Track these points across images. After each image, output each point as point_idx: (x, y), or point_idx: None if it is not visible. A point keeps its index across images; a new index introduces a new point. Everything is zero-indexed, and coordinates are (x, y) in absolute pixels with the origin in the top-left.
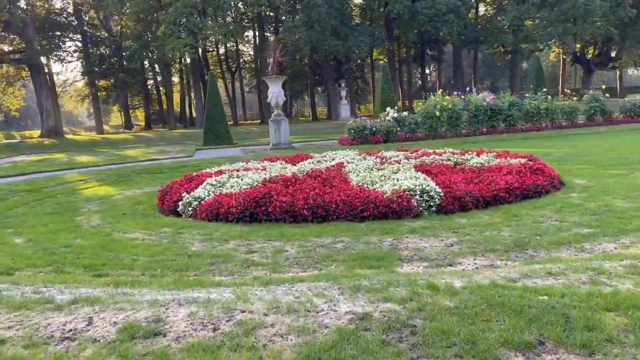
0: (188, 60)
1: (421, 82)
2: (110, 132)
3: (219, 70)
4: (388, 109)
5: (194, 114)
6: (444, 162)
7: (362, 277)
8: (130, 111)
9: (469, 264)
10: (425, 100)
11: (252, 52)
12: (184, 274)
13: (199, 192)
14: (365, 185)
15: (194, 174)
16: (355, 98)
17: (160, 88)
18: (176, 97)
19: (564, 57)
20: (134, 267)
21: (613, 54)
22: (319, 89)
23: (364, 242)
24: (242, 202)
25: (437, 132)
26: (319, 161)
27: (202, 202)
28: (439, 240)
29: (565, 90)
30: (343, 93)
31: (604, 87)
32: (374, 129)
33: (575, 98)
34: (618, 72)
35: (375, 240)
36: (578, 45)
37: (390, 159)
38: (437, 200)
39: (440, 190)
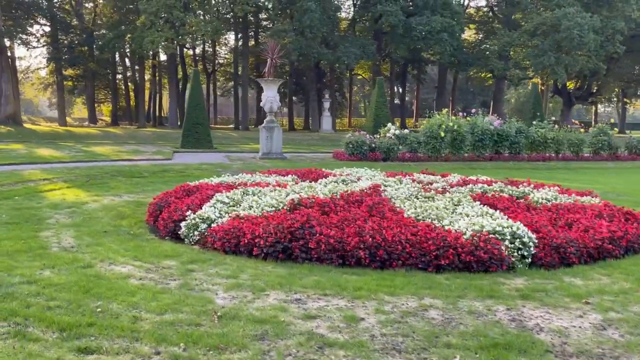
0: (163, 57)
1: (400, 101)
2: (73, 124)
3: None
4: (389, 125)
5: (165, 113)
6: (501, 194)
7: None
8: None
9: None
10: (428, 118)
11: (228, 55)
12: (223, 358)
13: (208, 211)
14: (430, 220)
15: (191, 184)
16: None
17: (129, 84)
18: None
19: (543, 88)
20: (140, 337)
21: (594, 89)
22: (295, 98)
23: (467, 310)
24: (273, 231)
25: (439, 154)
26: (343, 180)
27: (212, 225)
28: (574, 316)
29: (574, 121)
30: (326, 105)
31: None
32: (373, 145)
33: (582, 130)
34: (594, 107)
35: (482, 309)
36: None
37: (430, 184)
38: (532, 249)
39: (533, 236)
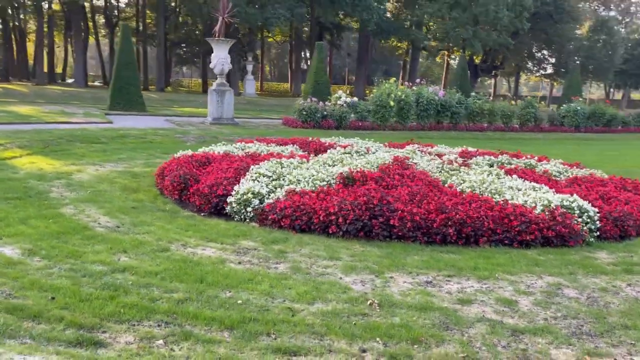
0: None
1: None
2: None
3: (92, 24)
4: (340, 92)
5: (62, 70)
6: (510, 165)
7: None
8: None
9: None
10: (377, 87)
11: (128, 10)
12: (435, 352)
13: (255, 186)
14: (489, 195)
15: (197, 153)
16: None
17: (27, 36)
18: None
19: (449, 59)
20: (323, 332)
21: (497, 63)
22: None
23: (597, 287)
24: (350, 208)
25: (387, 123)
26: (357, 152)
27: (264, 201)
28: None
29: (506, 94)
30: (249, 67)
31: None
32: (325, 112)
33: (513, 102)
34: (494, 80)
35: (606, 285)
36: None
37: (440, 155)
38: (597, 222)
39: (596, 209)
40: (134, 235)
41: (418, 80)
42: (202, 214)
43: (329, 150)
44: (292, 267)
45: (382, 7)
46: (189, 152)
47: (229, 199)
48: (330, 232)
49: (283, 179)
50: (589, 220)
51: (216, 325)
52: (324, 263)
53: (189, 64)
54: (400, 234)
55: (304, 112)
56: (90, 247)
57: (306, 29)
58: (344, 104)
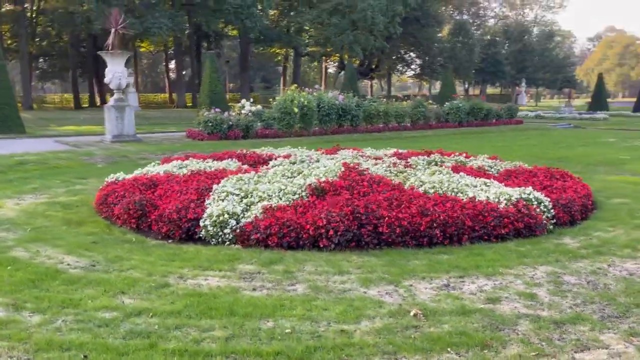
0: None
1: (197, 74)
2: None
3: None
4: (243, 101)
5: None
6: (443, 163)
7: None
8: None
9: None
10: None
11: None
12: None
13: (227, 205)
14: (452, 194)
15: (142, 176)
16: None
17: None
18: None
19: (326, 64)
20: (389, 349)
21: (373, 66)
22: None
23: (588, 271)
24: (339, 219)
25: (292, 129)
26: (302, 160)
27: (246, 221)
28: None
29: (397, 94)
30: (131, 79)
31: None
32: (230, 122)
33: (405, 103)
34: (370, 82)
35: (594, 268)
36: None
37: (378, 159)
38: (552, 211)
39: (549, 199)
40: (120, 273)
41: (317, 87)
42: (170, 241)
43: (271, 162)
44: (310, 286)
45: (265, 14)
46: (129, 176)
47: (203, 222)
48: (322, 245)
49: (251, 196)
50: (545, 209)
51: (284, 359)
52: (338, 279)
53: (55, 79)
54: (389, 240)
55: (210, 124)
56: (80, 292)
57: (181, 36)
58: (249, 113)
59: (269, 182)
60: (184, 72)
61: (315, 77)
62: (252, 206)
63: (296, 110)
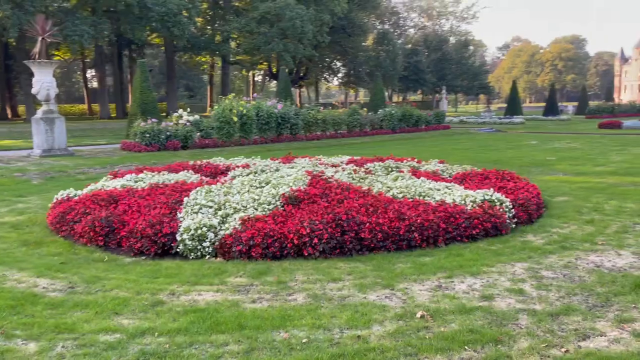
0: None
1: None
2: None
3: None
4: (180, 111)
5: None
6: (400, 168)
7: None
8: None
9: None
10: (217, 103)
11: None
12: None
13: (203, 218)
14: (419, 197)
15: (101, 190)
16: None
17: None
18: None
19: (254, 73)
20: (393, 353)
21: (302, 74)
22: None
23: (560, 265)
24: (322, 227)
25: (232, 139)
26: (262, 170)
27: (225, 233)
28: (612, 252)
29: (334, 102)
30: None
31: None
32: (168, 133)
33: (340, 110)
34: (298, 90)
35: (565, 263)
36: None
37: (336, 166)
38: (512, 210)
39: (509, 200)
40: (105, 294)
41: (255, 95)
42: (143, 258)
43: (230, 173)
44: (309, 295)
45: (192, 22)
46: (81, 192)
47: (180, 236)
48: (306, 254)
49: (224, 208)
50: (507, 209)
51: None
52: (333, 286)
53: None
54: (372, 245)
55: (148, 135)
56: (70, 316)
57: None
58: (187, 123)
59: (238, 193)
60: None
61: (241, 85)
62: (228, 218)
63: (236, 119)
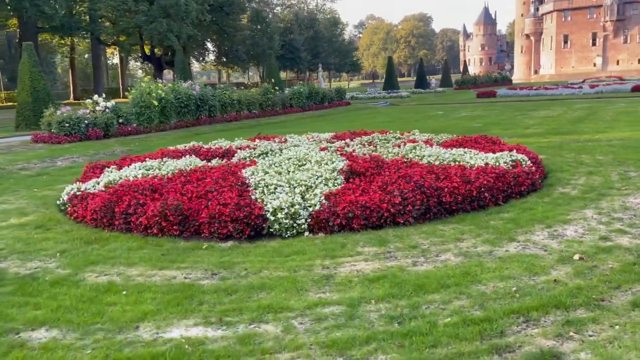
0: None
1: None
2: None
3: None
4: (95, 96)
5: None
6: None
7: None
8: None
9: None
10: (131, 88)
11: None
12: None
13: (288, 198)
14: (453, 164)
15: (132, 180)
16: None
17: None
18: None
19: (122, 55)
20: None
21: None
22: None
23: (618, 208)
24: (411, 195)
25: (152, 124)
26: (270, 151)
27: (316, 209)
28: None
29: (247, 83)
30: None
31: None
32: (87, 121)
33: (253, 90)
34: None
35: (613, 205)
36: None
37: (346, 142)
38: (533, 168)
39: (527, 158)
40: (259, 275)
41: (169, 76)
42: (229, 242)
43: (236, 154)
44: (456, 254)
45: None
46: (99, 185)
47: (275, 216)
48: (401, 221)
49: (296, 185)
50: (531, 167)
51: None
52: (464, 245)
53: None
54: (453, 208)
55: (67, 124)
56: (263, 297)
57: None
58: (105, 109)
59: (289, 172)
60: None
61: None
62: (304, 195)
63: (156, 103)
